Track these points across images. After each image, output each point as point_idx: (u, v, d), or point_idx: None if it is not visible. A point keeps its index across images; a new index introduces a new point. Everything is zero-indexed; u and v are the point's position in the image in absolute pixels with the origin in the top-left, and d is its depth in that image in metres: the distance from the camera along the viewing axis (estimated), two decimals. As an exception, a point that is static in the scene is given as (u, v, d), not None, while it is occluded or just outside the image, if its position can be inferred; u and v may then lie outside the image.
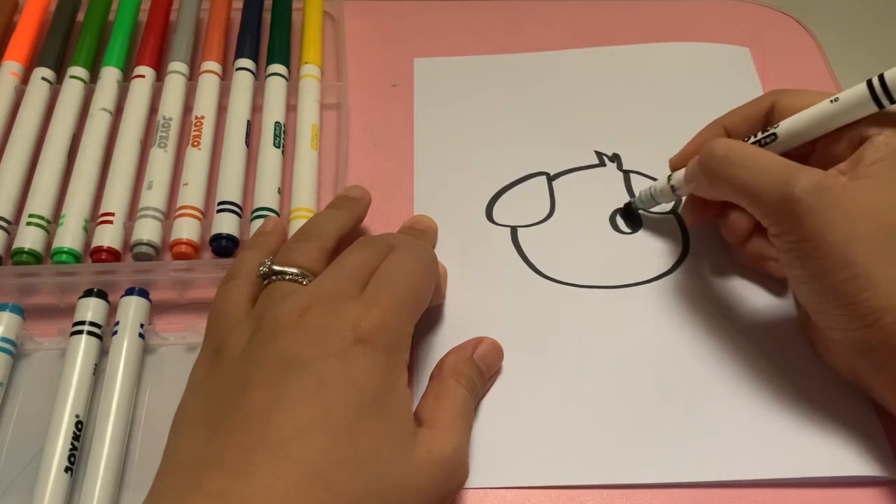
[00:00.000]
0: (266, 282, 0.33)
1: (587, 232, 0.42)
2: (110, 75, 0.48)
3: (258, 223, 0.40)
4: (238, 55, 0.49)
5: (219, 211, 0.41)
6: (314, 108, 0.46)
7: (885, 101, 0.32)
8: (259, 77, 0.49)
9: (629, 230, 0.42)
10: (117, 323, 0.37)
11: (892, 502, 0.33)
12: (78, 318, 0.37)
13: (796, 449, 0.34)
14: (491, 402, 0.36)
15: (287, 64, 0.49)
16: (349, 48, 0.51)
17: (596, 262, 0.41)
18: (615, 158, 0.45)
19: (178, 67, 0.48)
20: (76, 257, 0.40)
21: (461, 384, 0.34)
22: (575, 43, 0.52)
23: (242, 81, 0.47)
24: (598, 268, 0.41)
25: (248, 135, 0.45)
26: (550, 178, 0.45)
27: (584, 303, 0.39)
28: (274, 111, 0.46)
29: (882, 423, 0.34)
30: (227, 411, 0.28)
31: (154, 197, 0.41)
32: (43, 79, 0.47)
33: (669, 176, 0.40)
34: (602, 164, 0.45)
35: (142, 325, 0.37)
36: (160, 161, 0.43)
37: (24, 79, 0.48)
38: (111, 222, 0.40)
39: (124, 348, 0.36)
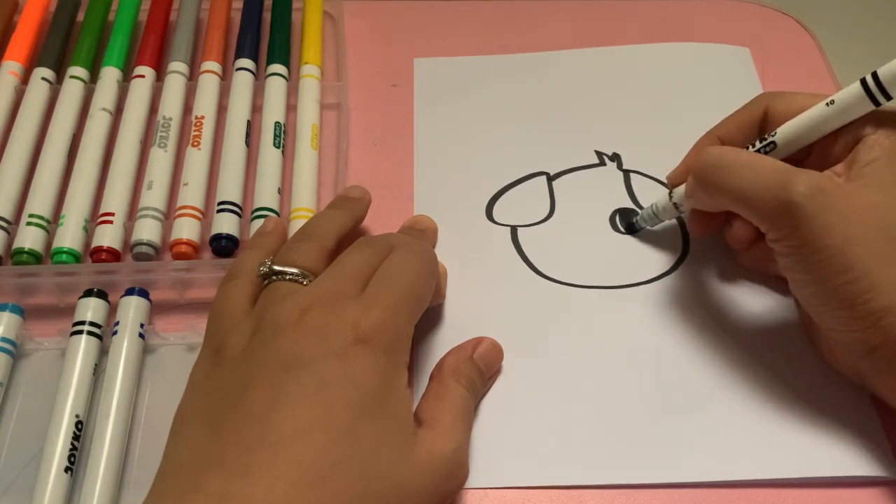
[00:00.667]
0: (266, 282, 0.33)
1: (587, 232, 0.42)
2: (110, 75, 0.48)
3: (258, 223, 0.40)
4: (238, 55, 0.49)
5: (219, 211, 0.41)
6: (314, 108, 0.46)
7: (881, 99, 0.32)
8: (259, 77, 0.49)
9: (628, 231, 0.42)
10: (117, 323, 0.37)
11: (892, 502, 0.33)
12: (78, 318, 0.37)
13: (796, 449, 0.34)
14: (491, 402, 0.36)
15: (287, 64, 0.49)
16: (349, 48, 0.51)
17: (596, 262, 0.41)
18: (615, 158, 0.45)
19: (178, 67, 0.48)
20: (76, 257, 0.40)
21: (461, 384, 0.34)
22: (575, 43, 0.52)
23: (242, 81, 0.47)
24: (598, 268, 0.41)
25: (248, 135, 0.45)
26: (550, 178, 0.45)
27: (584, 303, 0.39)
28: (274, 111, 0.46)
29: (882, 423, 0.34)
30: (227, 411, 0.28)
31: (154, 197, 0.41)
32: (43, 79, 0.47)
33: (670, 193, 0.39)
34: (602, 163, 0.45)
35: (142, 325, 0.37)
36: (160, 161, 0.43)
37: (24, 79, 0.48)
38: (111, 222, 0.40)
39: (124, 348, 0.36)
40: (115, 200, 0.41)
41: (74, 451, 0.33)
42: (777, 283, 0.39)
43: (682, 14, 0.54)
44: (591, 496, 0.33)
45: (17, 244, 0.39)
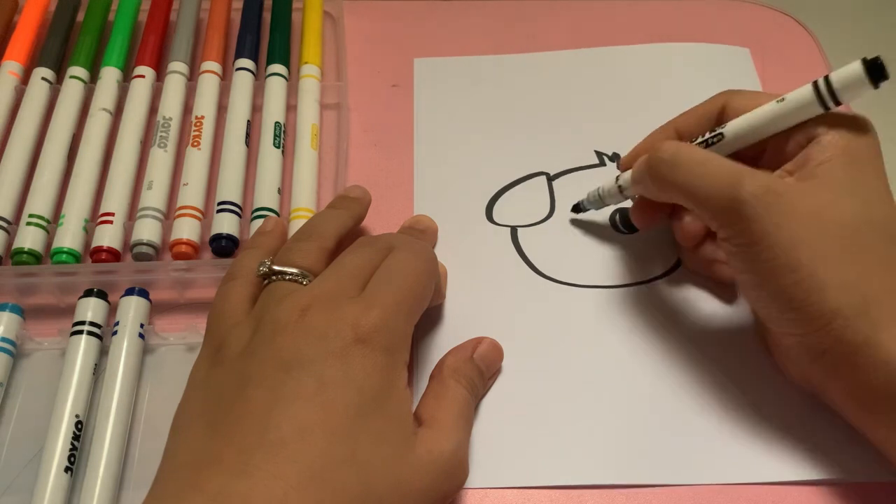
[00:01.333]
0: (266, 282, 0.33)
1: (587, 232, 0.42)
2: (110, 75, 0.48)
3: (258, 223, 0.40)
4: (238, 55, 0.49)
5: (219, 211, 0.41)
6: (314, 108, 0.46)
7: (830, 103, 0.32)
8: (259, 77, 0.49)
9: (628, 231, 0.42)
10: (117, 323, 0.37)
11: (893, 502, 0.33)
12: (78, 318, 0.37)
13: (796, 451, 0.34)
14: (491, 402, 0.36)
15: (287, 64, 0.49)
16: (349, 48, 0.51)
17: (596, 262, 0.41)
18: (615, 158, 0.45)
19: (178, 67, 0.48)
20: (76, 257, 0.40)
21: (461, 384, 0.34)
22: (575, 43, 0.52)
23: (242, 81, 0.47)
24: (598, 268, 0.41)
25: (248, 135, 0.45)
26: (550, 178, 0.45)
27: (584, 303, 0.39)
28: (274, 111, 0.46)
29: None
30: (227, 411, 0.28)
31: (154, 197, 0.41)
32: (43, 79, 0.47)
33: (618, 176, 0.40)
34: (602, 163, 0.45)
35: (142, 325, 0.37)
36: (160, 161, 0.43)
37: (24, 79, 0.48)
38: (111, 222, 0.40)
39: (124, 348, 0.36)
40: (115, 200, 0.41)
41: (74, 451, 0.33)
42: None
43: (682, 14, 0.54)
44: (591, 496, 0.33)
45: (17, 244, 0.39)
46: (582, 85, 0.49)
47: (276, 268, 0.33)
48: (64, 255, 0.39)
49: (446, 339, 0.37)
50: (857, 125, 0.32)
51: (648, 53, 0.51)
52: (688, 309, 0.39)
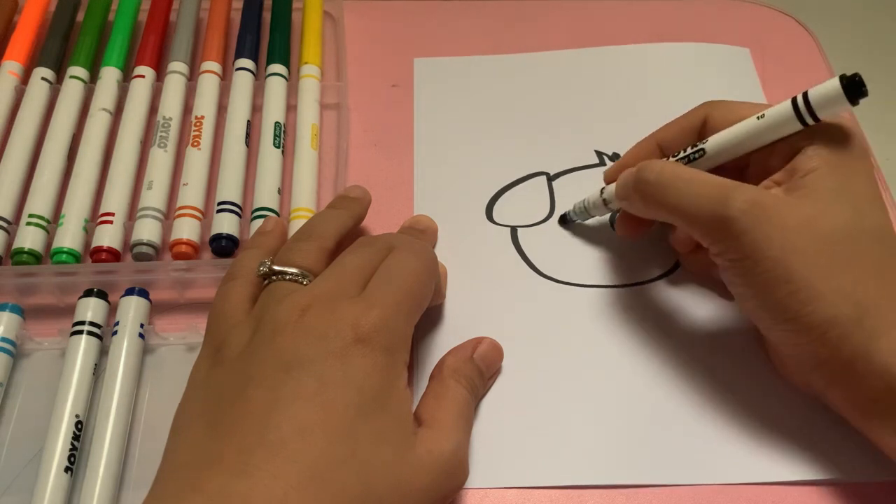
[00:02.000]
0: (266, 282, 0.33)
1: (587, 232, 0.42)
2: (110, 75, 0.48)
3: (258, 223, 0.40)
4: (238, 55, 0.49)
5: (219, 211, 0.41)
6: (314, 108, 0.46)
7: (808, 120, 0.31)
8: (259, 77, 0.49)
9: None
10: (117, 323, 0.37)
11: (893, 502, 0.33)
12: (78, 318, 0.37)
13: (796, 451, 0.34)
14: (491, 402, 0.36)
15: (287, 64, 0.49)
16: (349, 48, 0.51)
17: (596, 262, 0.41)
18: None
19: (178, 67, 0.48)
20: (76, 257, 0.40)
21: (461, 384, 0.34)
22: (575, 43, 0.52)
23: (242, 81, 0.47)
24: (598, 268, 0.41)
25: (248, 135, 0.45)
26: (550, 178, 0.45)
27: (584, 303, 0.39)
28: (274, 111, 0.46)
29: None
30: (227, 411, 0.28)
31: (154, 197, 0.41)
32: (43, 79, 0.47)
33: (602, 189, 0.40)
34: (602, 163, 0.45)
35: (142, 325, 0.37)
36: (160, 161, 0.43)
37: (24, 79, 0.48)
38: (111, 222, 0.40)
39: (124, 348, 0.36)
40: (115, 200, 0.41)
41: (74, 451, 0.33)
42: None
43: (682, 14, 0.54)
44: (591, 496, 0.33)
45: (17, 244, 0.39)
46: (582, 85, 0.49)
47: (276, 268, 0.33)
48: (64, 255, 0.39)
49: (446, 339, 0.37)
50: (843, 133, 0.32)
51: (648, 53, 0.51)
52: (687, 309, 0.39)
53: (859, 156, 0.32)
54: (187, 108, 0.47)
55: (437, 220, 0.41)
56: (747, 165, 0.35)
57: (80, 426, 0.34)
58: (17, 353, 0.37)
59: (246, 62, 0.48)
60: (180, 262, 0.39)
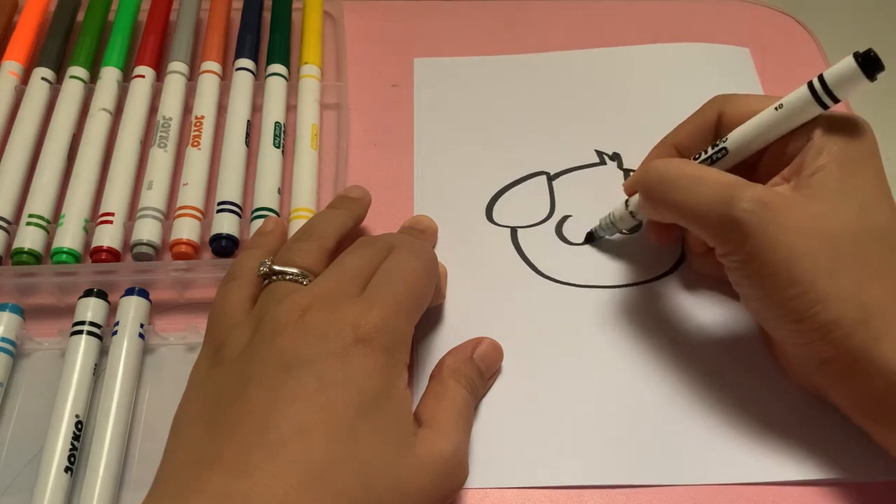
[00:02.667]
0: (266, 282, 0.33)
1: (587, 231, 0.42)
2: (110, 75, 0.48)
3: (258, 223, 0.40)
4: (238, 55, 0.49)
5: (219, 211, 0.41)
6: (314, 108, 0.46)
7: (827, 101, 0.31)
8: (259, 77, 0.49)
9: (628, 231, 0.42)
10: (117, 323, 0.37)
11: (892, 502, 0.33)
12: (78, 318, 0.37)
13: (796, 451, 0.34)
14: (491, 402, 0.36)
15: (287, 64, 0.49)
16: (349, 48, 0.51)
17: (596, 262, 0.41)
18: (616, 158, 0.45)
19: (177, 67, 0.48)
20: (76, 257, 0.40)
21: (461, 384, 0.34)
22: (575, 43, 0.52)
23: (242, 81, 0.47)
24: (598, 268, 0.41)
25: (248, 135, 0.45)
26: (550, 178, 0.45)
27: (584, 303, 0.39)
28: (274, 111, 0.46)
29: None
30: (227, 411, 0.28)
31: (154, 197, 0.41)
32: (43, 79, 0.47)
33: (627, 201, 0.39)
34: (602, 162, 0.45)
35: (142, 325, 0.37)
36: (160, 161, 0.43)
37: (24, 79, 0.48)
38: (111, 222, 0.40)
39: (124, 348, 0.36)
40: (115, 200, 0.41)
41: (74, 451, 0.33)
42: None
43: (682, 14, 0.54)
44: (591, 496, 0.33)
45: (16, 244, 0.39)
46: (582, 85, 0.49)
47: (276, 268, 0.33)
48: (64, 255, 0.39)
49: (446, 339, 0.37)
50: (853, 127, 0.32)
51: (648, 53, 0.51)
52: (687, 308, 0.39)
53: (868, 151, 0.32)
54: (187, 108, 0.47)
55: (437, 220, 0.41)
56: (760, 159, 0.35)
57: (80, 426, 0.34)
58: (17, 353, 0.37)
59: (246, 62, 0.48)
60: (180, 262, 0.39)
